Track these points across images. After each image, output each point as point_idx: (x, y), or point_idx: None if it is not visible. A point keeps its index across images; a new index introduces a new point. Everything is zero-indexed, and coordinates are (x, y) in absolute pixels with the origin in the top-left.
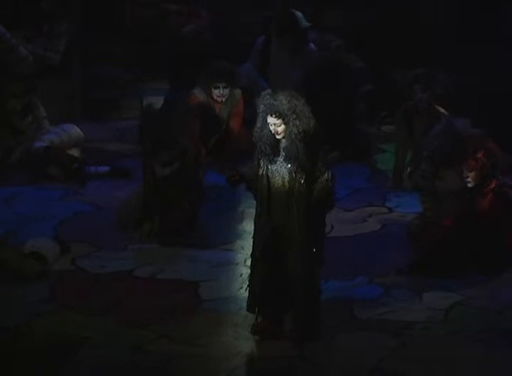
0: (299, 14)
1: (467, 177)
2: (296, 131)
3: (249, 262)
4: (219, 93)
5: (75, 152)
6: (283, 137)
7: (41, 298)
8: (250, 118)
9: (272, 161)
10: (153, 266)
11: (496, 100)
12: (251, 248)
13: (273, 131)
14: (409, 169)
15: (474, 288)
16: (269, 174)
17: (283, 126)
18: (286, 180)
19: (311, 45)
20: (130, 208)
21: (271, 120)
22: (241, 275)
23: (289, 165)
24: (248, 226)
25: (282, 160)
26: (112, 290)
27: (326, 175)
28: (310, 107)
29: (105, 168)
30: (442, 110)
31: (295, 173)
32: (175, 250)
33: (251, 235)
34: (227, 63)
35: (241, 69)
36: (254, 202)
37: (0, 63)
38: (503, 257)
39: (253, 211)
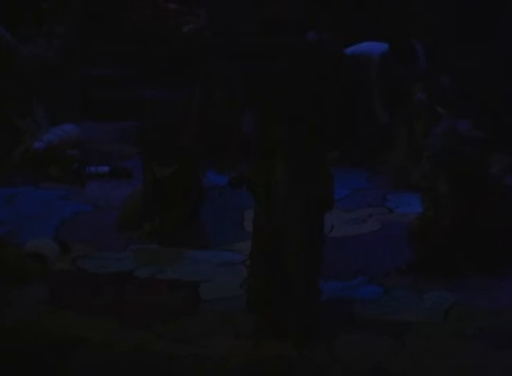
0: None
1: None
2: (295, 131)
3: (249, 262)
4: (219, 93)
5: (75, 152)
6: (283, 137)
7: (41, 298)
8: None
9: (272, 161)
10: (153, 266)
11: (497, 101)
12: (251, 248)
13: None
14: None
15: (474, 288)
16: (268, 174)
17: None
18: (285, 180)
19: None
20: (130, 208)
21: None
22: (241, 275)
23: (288, 165)
24: (248, 226)
25: (281, 159)
26: (112, 290)
27: (325, 175)
28: (311, 108)
29: (105, 168)
30: (442, 111)
31: (295, 173)
32: (175, 250)
33: (251, 235)
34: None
35: None
36: (254, 202)
37: (0, 63)
38: (503, 257)
39: (253, 211)
